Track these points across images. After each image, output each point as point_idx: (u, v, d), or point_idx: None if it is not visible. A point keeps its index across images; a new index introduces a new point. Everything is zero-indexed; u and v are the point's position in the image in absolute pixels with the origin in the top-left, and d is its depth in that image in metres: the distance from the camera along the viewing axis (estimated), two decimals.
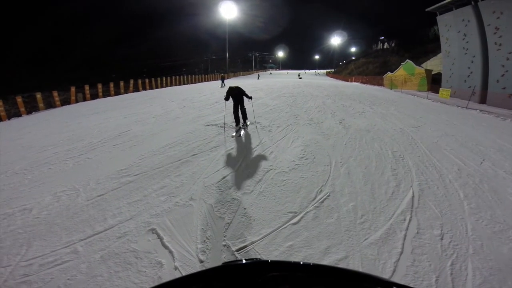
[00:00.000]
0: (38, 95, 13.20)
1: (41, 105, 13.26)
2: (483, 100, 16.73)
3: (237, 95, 7.36)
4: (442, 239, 2.94)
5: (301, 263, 0.68)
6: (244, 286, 0.62)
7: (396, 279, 2.38)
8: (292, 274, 0.65)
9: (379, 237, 2.93)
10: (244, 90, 7.51)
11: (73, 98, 15.44)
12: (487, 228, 3.17)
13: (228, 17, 48.54)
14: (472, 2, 17.19)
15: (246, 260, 0.70)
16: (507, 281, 2.35)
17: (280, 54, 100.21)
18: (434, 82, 23.33)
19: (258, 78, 39.03)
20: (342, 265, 2.53)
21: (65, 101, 14.98)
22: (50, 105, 14.02)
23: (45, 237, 2.95)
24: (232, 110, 7.59)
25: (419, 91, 23.85)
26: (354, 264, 2.55)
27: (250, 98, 7.59)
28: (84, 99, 16.27)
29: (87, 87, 16.49)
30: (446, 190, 4.10)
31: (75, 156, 5.60)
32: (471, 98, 15.92)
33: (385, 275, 2.42)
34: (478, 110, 13.21)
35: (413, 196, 3.88)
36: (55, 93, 14.24)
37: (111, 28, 55.05)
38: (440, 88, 20.04)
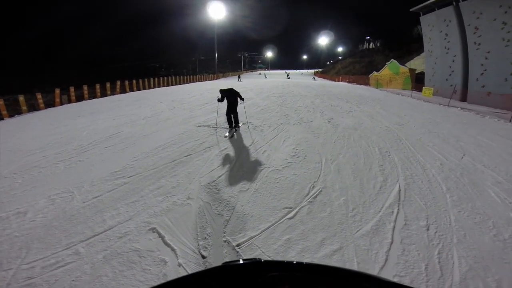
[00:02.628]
0: (21, 98, 12.78)
1: (24, 107, 12.86)
2: (464, 98, 17.46)
3: (231, 96, 7.42)
4: (428, 229, 3.16)
5: (301, 263, 0.68)
6: (243, 286, 0.62)
7: (389, 268, 2.56)
8: (291, 274, 0.65)
9: (370, 229, 3.13)
10: (238, 91, 7.58)
11: (57, 100, 15.02)
12: (469, 219, 3.41)
13: (216, 18, 48.29)
14: (454, 3, 17.94)
15: (245, 260, 0.70)
16: (491, 268, 2.55)
17: (269, 54, 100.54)
18: (417, 81, 24.10)
19: (239, 80, 34.06)
20: (337, 255, 2.69)
21: (49, 104, 14.59)
22: (33, 107, 13.62)
23: (44, 239, 2.95)
24: (224, 111, 7.64)
25: (404, 90, 24.55)
26: (349, 254, 2.72)
27: (243, 99, 7.69)
28: (69, 101, 15.86)
29: (72, 89, 16.09)
30: (430, 184, 4.36)
31: (65, 159, 5.53)
32: (452, 96, 16.59)
33: (378, 264, 2.60)
34: (459, 108, 13.82)
35: (399, 190, 4.11)
36: (39, 95, 13.82)
37: (98, 29, 53.92)
38: (423, 87, 20.76)
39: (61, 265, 2.57)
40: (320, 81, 40.32)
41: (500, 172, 4.91)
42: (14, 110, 12.57)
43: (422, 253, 2.75)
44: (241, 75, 42.21)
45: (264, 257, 2.63)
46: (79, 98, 16.66)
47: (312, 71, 73.41)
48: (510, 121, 10.47)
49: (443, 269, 2.54)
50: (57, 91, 15.07)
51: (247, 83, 26.08)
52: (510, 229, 3.18)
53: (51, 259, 2.65)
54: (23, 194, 4.04)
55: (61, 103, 15.27)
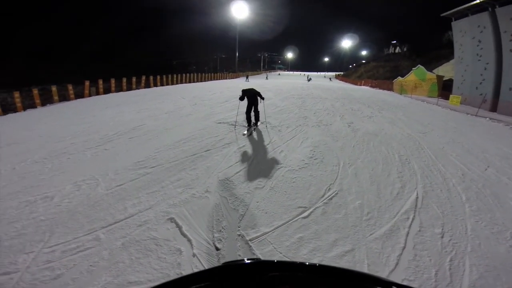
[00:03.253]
0: (54, 88, 13.60)
1: (55, 97, 13.66)
2: (494, 108, 16.61)
3: (252, 96, 7.53)
4: (442, 237, 3.10)
5: (301, 263, 0.68)
6: (244, 286, 0.62)
7: (399, 271, 2.55)
8: (292, 274, 0.65)
9: (384, 233, 3.11)
10: (259, 91, 7.68)
11: (86, 92, 15.83)
12: (486, 229, 3.31)
13: (239, 17, 48.72)
14: (489, 9, 17.08)
15: (247, 260, 0.70)
16: (501, 277, 2.50)
17: (289, 55, 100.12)
18: (445, 89, 23.18)
19: (266, 78, 39.17)
20: (349, 256, 2.71)
21: (79, 95, 15.38)
22: (64, 97, 14.41)
23: (67, 224, 3.08)
24: (244, 109, 7.77)
25: (429, 97, 23.70)
26: (360, 256, 2.72)
27: (263, 99, 7.78)
28: (97, 93, 16.66)
29: (100, 82, 16.89)
30: (449, 193, 4.23)
31: (92, 147, 5.85)
32: (481, 106, 15.83)
33: (389, 267, 2.59)
34: (487, 118, 13.17)
35: (417, 197, 4.03)
36: (70, 86, 14.63)
37: (122, 24, 55.91)
38: (451, 95, 19.95)
39: (81, 250, 2.67)
40: (338, 83, 39.67)
41: None
42: (46, 100, 13.36)
43: (433, 260, 2.72)
44: (268, 74, 42.79)
45: (276, 254, 2.70)
46: (107, 90, 17.44)
47: (333, 73, 72.27)
48: None
49: (453, 276, 2.51)
50: (87, 83, 15.89)
51: (268, 83, 26.17)
52: None
53: (72, 244, 2.75)
54: (51, 179, 4.28)
55: (90, 95, 16.06)
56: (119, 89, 18.56)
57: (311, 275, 0.64)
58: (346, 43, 77.94)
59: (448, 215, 3.59)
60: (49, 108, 12.12)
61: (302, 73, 66.86)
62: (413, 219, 3.44)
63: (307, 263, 0.69)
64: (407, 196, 4.07)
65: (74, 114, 9.93)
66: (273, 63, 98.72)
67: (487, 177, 5.03)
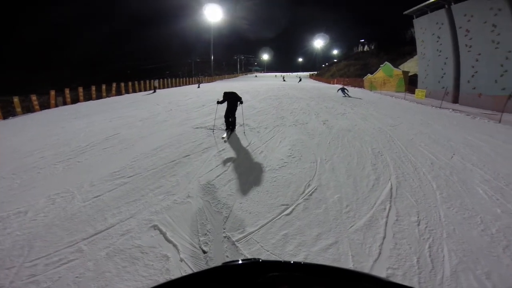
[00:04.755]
0: (16, 99, 12.74)
1: (18, 109, 12.80)
2: (455, 100, 17.86)
3: (232, 101, 7.55)
4: (419, 225, 3.31)
5: (300, 263, 0.68)
6: (243, 286, 0.62)
7: (382, 260, 2.68)
8: (291, 274, 0.65)
9: (364, 224, 3.27)
10: (240, 96, 7.71)
11: (52, 102, 14.98)
12: (458, 214, 3.57)
13: (213, 20, 48.48)
14: (446, 6, 18.37)
15: (244, 260, 0.70)
16: (480, 261, 2.68)
17: (265, 57, 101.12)
18: (410, 83, 24.53)
19: (198, 87, 26.23)
20: (333, 249, 2.82)
21: (44, 106, 14.53)
22: (28, 109, 13.55)
23: (45, 238, 2.99)
24: (223, 113, 7.74)
25: (397, 92, 24.92)
26: (344, 248, 2.85)
27: (241, 102, 7.85)
28: (65, 103, 15.82)
29: (67, 91, 16.07)
30: (421, 182, 4.53)
31: (64, 160, 5.57)
32: (444, 98, 16.96)
33: (372, 257, 2.73)
34: (450, 110, 14.15)
35: (391, 188, 4.28)
36: (33, 97, 13.75)
37: (91, 30, 53.58)
38: (416, 89, 21.15)
39: (64, 263, 2.61)
40: (312, 83, 40.66)
41: (488, 170, 5.11)
42: (7, 112, 12.50)
43: (413, 247, 2.88)
44: (201, 83, 31.53)
45: (263, 252, 2.75)
46: (74, 100, 16.62)
47: (307, 73, 73.94)
48: (499, 122, 10.78)
49: (434, 262, 2.66)
50: (52, 92, 15.03)
51: (245, 85, 26.23)
52: (497, 224, 3.33)
53: (54, 257, 2.68)
54: (22, 194, 4.07)
55: (56, 105, 15.21)
56: (88, 98, 17.75)
57: (310, 275, 0.65)
58: (318, 43, 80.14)
59: (422, 203, 3.84)
60: (12, 121, 11.33)
61: (279, 74, 67.79)
62: (389, 209, 3.64)
63: (307, 263, 0.70)
64: (382, 187, 4.30)
65: (41, 126, 9.38)
66: (249, 65, 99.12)
67: (454, 164, 5.43)
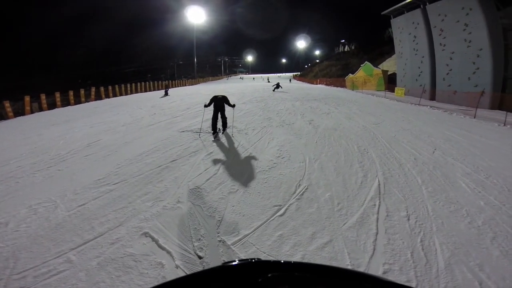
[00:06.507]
0: None
1: None
2: (432, 97, 18.63)
3: (220, 103, 7.48)
4: (408, 219, 3.39)
5: (300, 263, 0.68)
6: (242, 286, 0.62)
7: (378, 256, 2.73)
8: (291, 274, 0.64)
9: (356, 221, 3.32)
10: (229, 99, 7.65)
11: (27, 108, 14.28)
12: (444, 208, 3.69)
13: (195, 22, 47.98)
14: (421, 6, 19.12)
15: (245, 260, 0.69)
16: (471, 253, 2.76)
17: (249, 58, 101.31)
18: (390, 82, 25.36)
19: (166, 95, 20.30)
20: (329, 247, 2.85)
21: (18, 112, 13.83)
22: (1, 116, 12.86)
23: (31, 249, 2.86)
24: (210, 116, 7.65)
25: (378, 90, 25.71)
26: (339, 246, 2.87)
27: (233, 106, 7.82)
28: (41, 109, 15.13)
29: (43, 96, 15.37)
30: (406, 177, 4.67)
31: (43, 169, 5.31)
32: (422, 96, 17.65)
33: (367, 254, 2.76)
34: (428, 107, 14.74)
35: (379, 184, 4.38)
36: (6, 103, 13.07)
37: (70, 34, 51.56)
38: (396, 87, 21.88)
39: (54, 274, 2.50)
40: (296, 83, 41.13)
41: (468, 164, 5.35)
42: None
43: (406, 242, 2.94)
44: (168, 89, 23.81)
45: (260, 254, 2.73)
46: (51, 106, 15.93)
47: (291, 74, 74.74)
48: (474, 117, 11.34)
49: (428, 256, 2.71)
50: (27, 98, 14.33)
51: (230, 87, 26.11)
52: (482, 216, 3.45)
53: (42, 268, 2.57)
54: (0, 204, 3.86)
55: (32, 112, 14.52)
56: (65, 103, 17.06)
57: (311, 275, 0.64)
58: (301, 44, 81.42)
59: (409, 198, 3.95)
60: None
61: (263, 75, 68.18)
62: (379, 205, 3.72)
63: (307, 263, 0.69)
64: (370, 184, 4.40)
65: (16, 134, 8.92)
66: (234, 67, 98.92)
67: (436, 159, 5.64)
